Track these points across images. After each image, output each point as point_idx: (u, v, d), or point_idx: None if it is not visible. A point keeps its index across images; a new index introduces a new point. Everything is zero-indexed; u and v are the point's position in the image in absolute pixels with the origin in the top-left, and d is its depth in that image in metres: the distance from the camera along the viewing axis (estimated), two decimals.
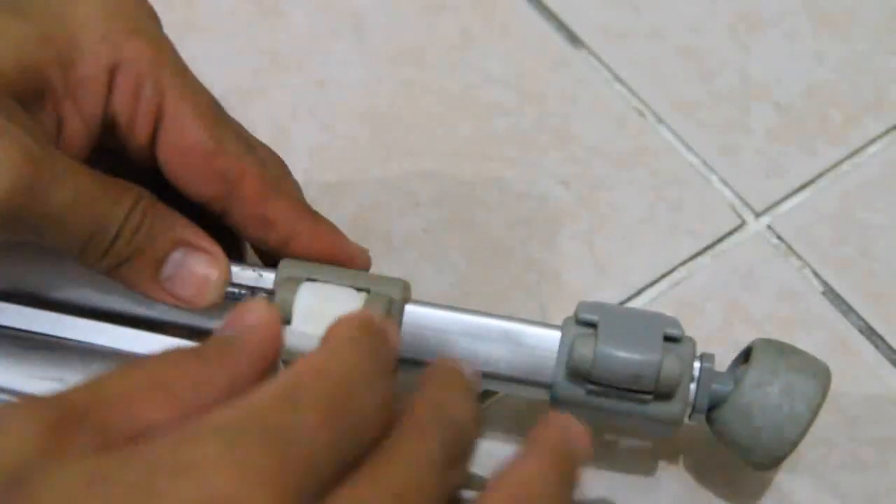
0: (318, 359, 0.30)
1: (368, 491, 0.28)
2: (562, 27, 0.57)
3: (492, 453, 0.32)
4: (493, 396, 0.48)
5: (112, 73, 0.40)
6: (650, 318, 0.43)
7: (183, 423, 0.28)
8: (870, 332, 0.50)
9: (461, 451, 0.31)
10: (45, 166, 0.37)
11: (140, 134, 0.41)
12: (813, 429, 0.45)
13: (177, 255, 0.41)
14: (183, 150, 0.41)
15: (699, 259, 0.52)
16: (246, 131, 0.44)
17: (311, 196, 0.52)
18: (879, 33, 0.58)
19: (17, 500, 0.26)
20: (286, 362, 0.39)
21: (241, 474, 0.26)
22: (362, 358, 0.30)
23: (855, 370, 0.49)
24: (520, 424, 0.47)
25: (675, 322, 0.43)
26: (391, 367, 0.31)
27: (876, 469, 0.47)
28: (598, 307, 0.43)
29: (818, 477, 0.47)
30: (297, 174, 0.53)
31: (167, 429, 0.28)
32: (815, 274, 0.52)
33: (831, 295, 0.51)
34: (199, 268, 0.41)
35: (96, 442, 0.27)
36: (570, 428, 0.32)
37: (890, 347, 0.50)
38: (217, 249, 0.42)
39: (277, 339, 0.31)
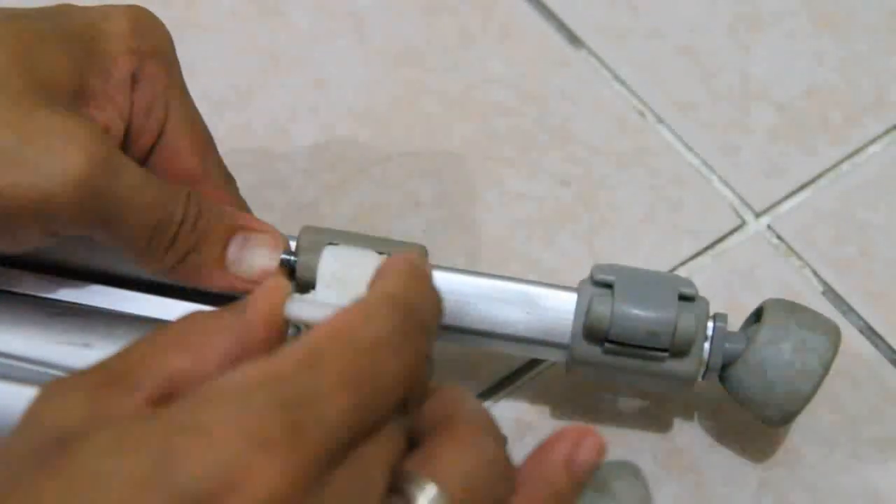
0: (348, 318, 0.31)
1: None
2: (562, 27, 0.57)
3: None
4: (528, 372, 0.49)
5: (133, 84, 0.41)
6: (665, 278, 0.44)
7: (203, 384, 0.30)
8: (870, 332, 0.50)
9: (411, 402, 0.32)
10: (114, 151, 0.38)
11: (139, 148, 0.42)
12: (813, 429, 0.45)
13: (238, 240, 0.42)
14: (175, 169, 0.42)
15: (699, 259, 0.52)
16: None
17: (311, 196, 0.52)
18: (879, 33, 0.58)
19: (58, 460, 0.29)
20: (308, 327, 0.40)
21: (250, 441, 0.28)
22: (396, 318, 0.31)
23: (855, 370, 0.49)
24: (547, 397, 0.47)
25: (689, 282, 0.43)
26: (425, 325, 0.32)
27: (876, 469, 0.47)
28: (613, 268, 0.44)
29: (818, 477, 0.47)
30: (297, 174, 0.53)
31: (191, 383, 0.31)
32: (815, 274, 0.52)
33: (831, 295, 0.51)
34: (261, 248, 0.42)
35: (134, 399, 0.30)
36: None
37: (890, 347, 0.50)
38: (271, 227, 0.43)
39: (281, 293, 0.33)
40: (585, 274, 0.44)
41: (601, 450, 0.34)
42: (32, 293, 0.43)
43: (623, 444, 0.47)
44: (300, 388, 0.29)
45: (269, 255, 0.42)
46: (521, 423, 0.48)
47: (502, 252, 0.51)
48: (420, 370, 0.32)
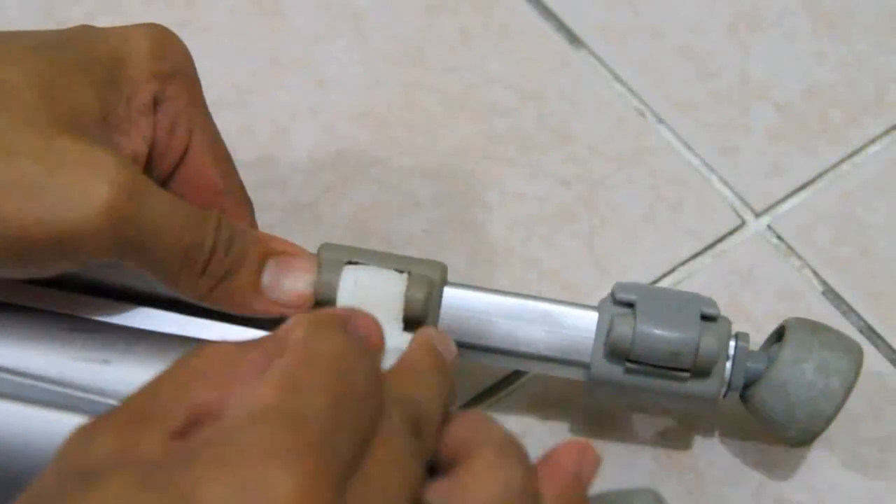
0: (304, 343, 0.32)
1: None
2: (562, 27, 0.57)
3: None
4: (521, 377, 0.49)
5: (156, 105, 0.42)
6: (687, 298, 0.43)
7: (216, 418, 0.31)
8: (870, 332, 0.50)
9: (424, 426, 0.33)
10: (140, 179, 0.38)
11: (163, 167, 0.42)
12: None
13: (272, 264, 0.42)
14: (198, 186, 0.43)
15: (699, 259, 0.52)
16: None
17: (311, 196, 0.52)
18: (879, 33, 0.58)
19: (78, 494, 0.29)
20: None
21: (268, 465, 0.29)
22: (341, 337, 0.33)
23: None
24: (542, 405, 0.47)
25: (711, 302, 0.43)
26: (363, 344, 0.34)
27: (876, 469, 0.47)
28: (634, 287, 0.44)
29: (818, 477, 0.47)
30: (297, 174, 0.53)
31: (215, 415, 0.31)
32: (815, 274, 0.52)
33: (831, 295, 0.51)
34: (296, 272, 0.42)
35: (160, 436, 0.31)
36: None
37: (890, 347, 0.50)
38: (302, 248, 0.43)
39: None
40: (585, 274, 0.44)
41: (599, 462, 0.35)
42: (51, 309, 0.42)
43: (623, 444, 0.47)
44: (294, 410, 0.30)
45: (304, 280, 0.42)
46: (519, 429, 0.48)
47: (502, 252, 0.51)
48: (372, 376, 0.33)
